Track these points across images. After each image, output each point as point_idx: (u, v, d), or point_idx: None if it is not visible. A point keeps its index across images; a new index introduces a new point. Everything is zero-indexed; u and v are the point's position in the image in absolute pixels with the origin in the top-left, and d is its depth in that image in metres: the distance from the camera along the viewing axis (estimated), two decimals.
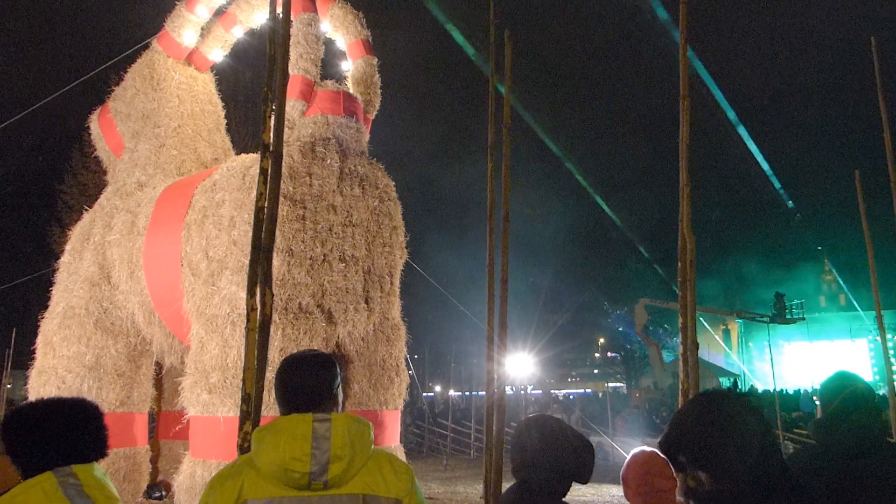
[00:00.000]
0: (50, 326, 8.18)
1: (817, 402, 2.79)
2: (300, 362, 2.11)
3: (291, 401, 2.04)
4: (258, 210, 3.09)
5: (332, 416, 1.97)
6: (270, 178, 3.18)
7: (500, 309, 3.78)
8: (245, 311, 6.42)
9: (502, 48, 4.40)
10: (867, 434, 2.54)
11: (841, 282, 53.03)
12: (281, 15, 3.64)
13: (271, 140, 3.27)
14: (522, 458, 2.41)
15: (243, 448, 2.82)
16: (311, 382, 2.06)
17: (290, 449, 1.89)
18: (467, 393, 37.99)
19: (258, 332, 3.03)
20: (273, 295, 3.09)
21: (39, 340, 8.23)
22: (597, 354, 56.16)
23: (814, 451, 2.63)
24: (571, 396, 39.08)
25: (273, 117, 3.37)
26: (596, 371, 56.73)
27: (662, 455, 2.58)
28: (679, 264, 3.75)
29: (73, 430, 2.15)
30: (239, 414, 2.90)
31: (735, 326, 49.50)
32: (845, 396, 2.64)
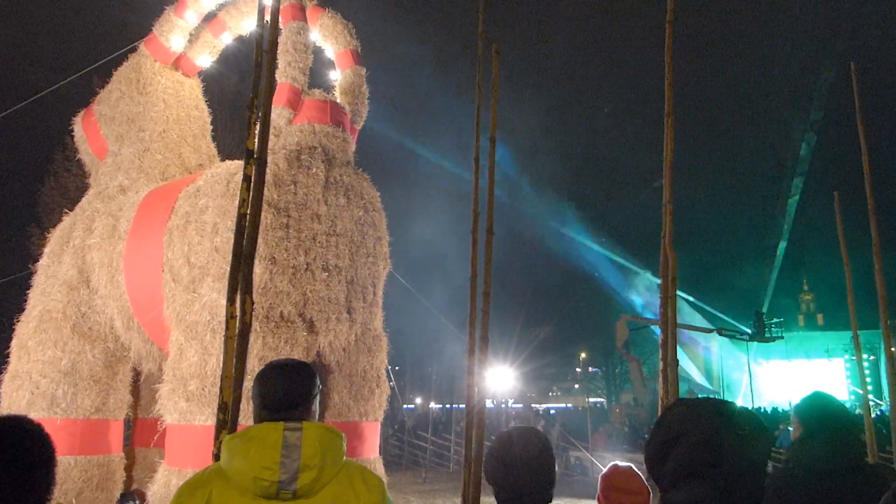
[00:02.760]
0: (25, 330, 8.05)
1: (790, 427, 2.82)
2: (277, 369, 2.09)
3: (266, 407, 2.02)
4: (240, 217, 3.07)
5: (304, 425, 1.95)
6: (254, 186, 3.16)
7: (483, 322, 3.78)
8: (225, 318, 6.38)
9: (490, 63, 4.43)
10: (845, 454, 2.56)
11: (816, 302, 53.73)
12: (268, 21, 3.64)
13: (256, 147, 3.25)
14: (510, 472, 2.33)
15: (218, 457, 2.79)
16: (285, 389, 2.03)
17: (261, 458, 1.87)
18: (447, 406, 37.90)
19: (237, 340, 3.00)
20: (253, 303, 3.07)
21: (14, 344, 8.09)
22: (578, 369, 56.28)
23: (792, 470, 2.64)
24: (552, 411, 39.09)
25: (259, 124, 3.36)
26: (577, 386, 56.81)
27: (633, 470, 2.59)
28: (661, 281, 3.77)
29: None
30: (216, 423, 2.86)
31: (715, 344, 49.87)
32: (822, 416, 2.67)
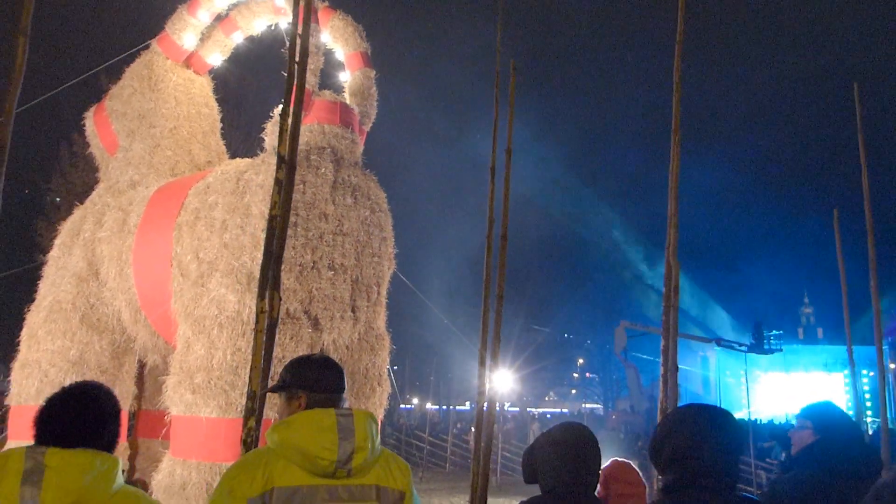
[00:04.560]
0: (35, 320, 8.19)
1: (791, 434, 2.96)
2: (322, 363, 2.30)
3: (321, 392, 2.21)
4: (271, 218, 3.22)
5: (354, 411, 2.14)
6: (284, 189, 3.30)
7: (495, 324, 3.93)
8: (233, 314, 6.52)
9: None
10: (865, 456, 2.74)
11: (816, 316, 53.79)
12: (300, 33, 3.78)
13: (287, 152, 3.39)
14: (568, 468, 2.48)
15: (247, 442, 2.93)
16: (333, 381, 2.25)
17: (320, 440, 2.03)
18: (444, 407, 37.96)
19: (266, 334, 3.15)
20: (281, 299, 3.20)
21: (24, 333, 8.23)
22: (575, 374, 56.32)
23: (815, 475, 2.72)
24: (549, 415, 39.13)
25: (289, 131, 3.50)
26: (574, 391, 56.85)
27: (631, 465, 2.78)
28: (664, 289, 3.90)
29: (64, 411, 2.01)
30: (244, 412, 3.01)
31: (713, 355, 49.94)
32: (839, 423, 2.85)
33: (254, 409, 2.99)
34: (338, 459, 2.04)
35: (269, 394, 2.52)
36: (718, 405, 2.32)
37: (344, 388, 2.27)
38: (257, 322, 3.18)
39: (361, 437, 2.08)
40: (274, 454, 2.07)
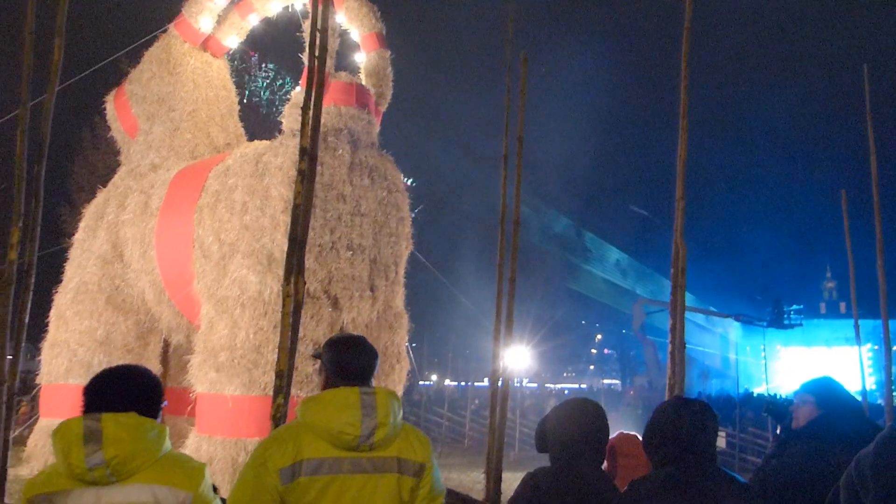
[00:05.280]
0: (63, 301, 8.41)
1: (793, 409, 3.03)
2: (352, 344, 2.44)
3: (343, 375, 2.35)
4: (295, 206, 3.32)
5: (376, 389, 2.29)
6: (307, 179, 3.39)
7: (508, 306, 4.02)
8: (255, 294, 6.64)
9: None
10: (867, 425, 2.88)
11: (839, 290, 53.23)
12: (321, 27, 3.83)
13: (308, 144, 3.48)
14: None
15: (276, 418, 3.07)
16: (361, 361, 2.40)
17: (344, 416, 2.19)
18: (463, 384, 38.28)
19: (292, 316, 3.27)
20: (305, 282, 3.32)
21: (53, 314, 8.45)
22: (593, 350, 56.43)
23: (821, 447, 2.82)
24: (567, 392, 39.32)
25: (310, 123, 3.58)
26: (592, 367, 57.01)
27: (637, 437, 2.92)
28: (672, 270, 3.98)
29: (113, 382, 2.21)
30: (272, 389, 3.14)
31: (732, 331, 49.76)
32: (840, 396, 2.96)
33: (282, 387, 3.13)
34: (361, 434, 2.18)
35: (294, 371, 2.65)
36: (700, 398, 2.55)
37: (370, 369, 2.39)
38: (283, 305, 3.31)
39: (383, 413, 2.22)
40: (303, 428, 2.23)
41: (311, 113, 3.53)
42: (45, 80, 4.85)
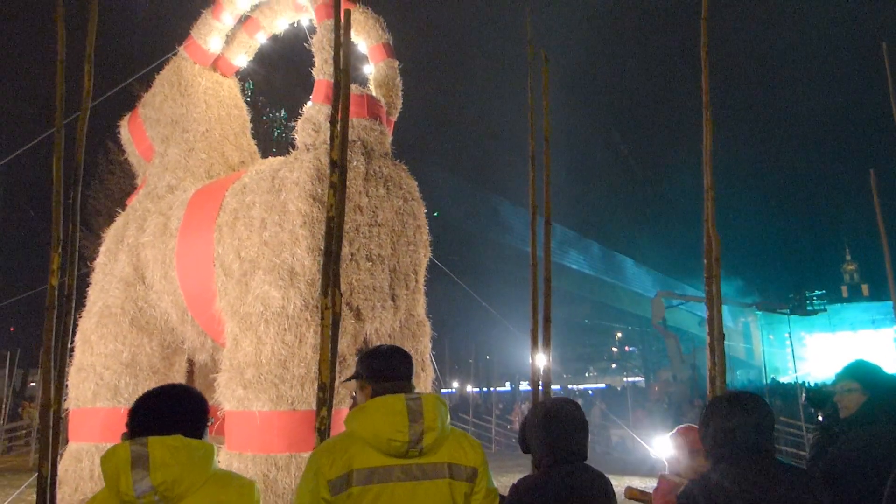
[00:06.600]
0: (88, 325, 8.49)
1: (837, 399, 2.98)
2: (393, 353, 2.47)
3: (389, 383, 2.36)
4: (329, 219, 3.34)
5: (422, 395, 2.30)
6: (339, 191, 3.42)
7: (545, 306, 4.02)
8: (278, 309, 6.66)
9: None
10: None
11: (861, 272, 52.53)
12: (343, 43, 3.86)
13: (338, 157, 3.50)
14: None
15: (321, 430, 3.09)
16: (402, 369, 2.42)
17: (392, 423, 2.20)
18: (485, 389, 38.19)
19: (331, 329, 3.29)
20: (341, 295, 3.33)
21: (78, 338, 8.53)
22: (614, 349, 56.10)
23: (879, 431, 2.79)
24: (590, 391, 39.11)
25: (339, 137, 3.61)
26: (614, 365, 56.70)
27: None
28: (705, 261, 3.95)
29: (156, 406, 2.21)
30: (315, 403, 3.15)
31: (754, 320, 49.23)
32: (886, 379, 2.93)
33: (325, 399, 3.15)
34: (409, 440, 2.20)
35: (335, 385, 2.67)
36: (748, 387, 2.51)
37: (410, 375, 2.41)
38: (322, 318, 3.34)
39: (430, 418, 2.24)
40: (352, 438, 2.26)
41: (338, 127, 3.56)
42: (72, 107, 4.94)
